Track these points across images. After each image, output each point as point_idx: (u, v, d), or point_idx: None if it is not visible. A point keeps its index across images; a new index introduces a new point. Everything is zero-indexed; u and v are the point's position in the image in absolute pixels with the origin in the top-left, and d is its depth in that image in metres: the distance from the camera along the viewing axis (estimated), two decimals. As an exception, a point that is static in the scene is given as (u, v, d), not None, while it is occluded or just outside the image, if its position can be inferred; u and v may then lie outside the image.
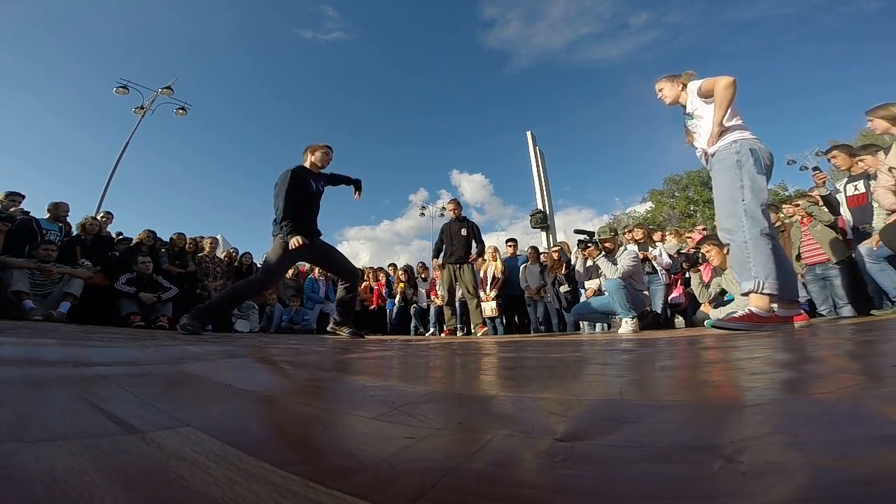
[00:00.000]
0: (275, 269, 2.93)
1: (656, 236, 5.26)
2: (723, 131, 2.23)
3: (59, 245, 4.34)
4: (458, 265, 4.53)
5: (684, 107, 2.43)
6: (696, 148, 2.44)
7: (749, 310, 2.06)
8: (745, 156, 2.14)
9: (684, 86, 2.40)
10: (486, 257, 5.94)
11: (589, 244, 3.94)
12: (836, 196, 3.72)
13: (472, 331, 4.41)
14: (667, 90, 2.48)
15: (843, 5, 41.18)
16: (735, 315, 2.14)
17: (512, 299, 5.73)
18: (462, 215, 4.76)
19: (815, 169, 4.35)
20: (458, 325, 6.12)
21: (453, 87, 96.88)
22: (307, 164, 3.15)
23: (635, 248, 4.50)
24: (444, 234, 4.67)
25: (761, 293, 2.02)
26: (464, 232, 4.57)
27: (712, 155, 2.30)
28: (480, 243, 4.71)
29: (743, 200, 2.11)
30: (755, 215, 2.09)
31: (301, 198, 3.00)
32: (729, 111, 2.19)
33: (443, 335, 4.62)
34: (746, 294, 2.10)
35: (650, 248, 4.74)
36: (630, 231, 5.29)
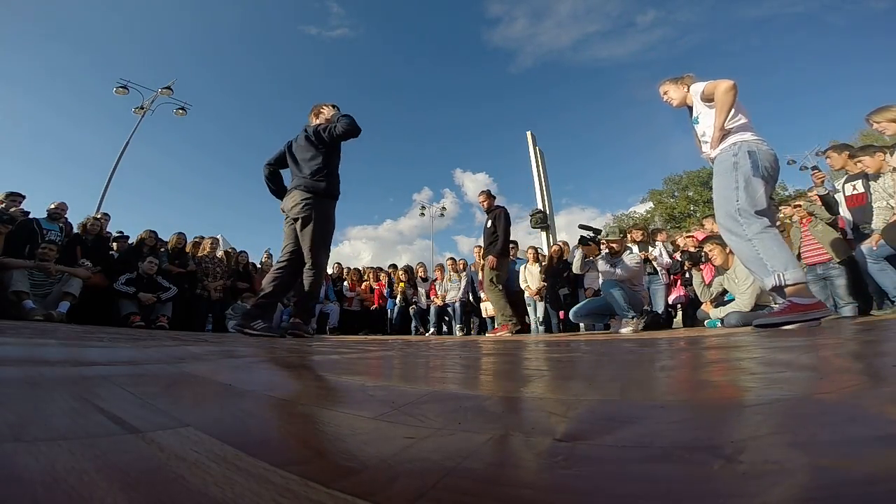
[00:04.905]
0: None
1: (659, 237, 5.27)
2: (725, 134, 2.22)
3: (60, 245, 4.34)
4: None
5: (691, 109, 2.42)
6: (706, 156, 2.43)
7: (789, 300, 1.96)
8: (742, 157, 2.13)
9: (688, 87, 2.39)
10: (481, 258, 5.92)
11: (590, 242, 3.92)
12: (835, 196, 3.72)
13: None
14: (672, 92, 2.48)
15: (852, 4, 40.94)
16: (774, 310, 2.07)
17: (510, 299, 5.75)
18: (493, 206, 4.59)
19: (814, 168, 4.36)
20: (459, 325, 6.13)
21: (458, 85, 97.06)
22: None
23: (637, 249, 4.51)
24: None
25: (786, 285, 1.93)
26: (488, 224, 4.50)
27: (713, 160, 2.30)
28: (497, 237, 4.32)
29: (737, 201, 2.10)
30: (750, 215, 2.07)
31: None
32: (733, 111, 2.18)
33: (495, 332, 4.39)
34: (772, 290, 2.01)
35: (650, 248, 4.74)
36: (629, 231, 5.30)
